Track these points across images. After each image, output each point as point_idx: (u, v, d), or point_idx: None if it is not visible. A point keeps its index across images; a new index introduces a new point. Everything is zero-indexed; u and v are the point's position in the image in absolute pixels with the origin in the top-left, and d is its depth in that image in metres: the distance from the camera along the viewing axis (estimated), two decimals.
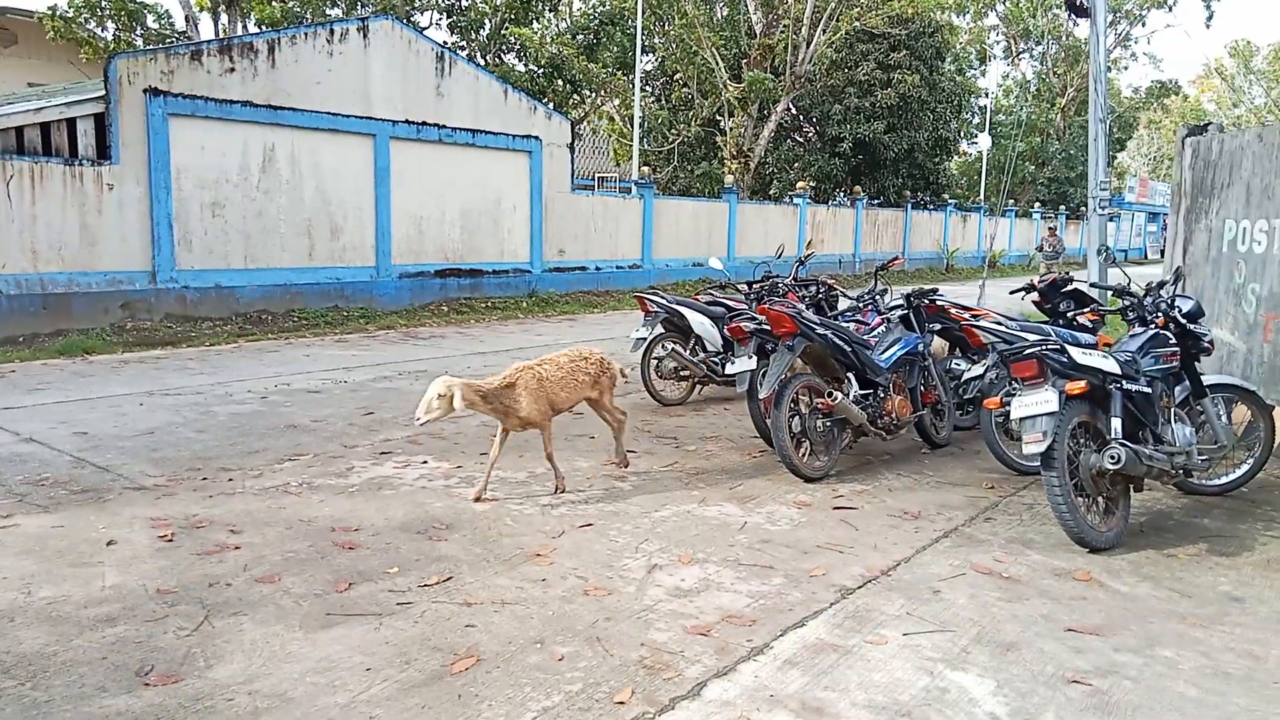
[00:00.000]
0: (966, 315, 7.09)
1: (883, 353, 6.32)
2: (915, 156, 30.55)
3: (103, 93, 11.53)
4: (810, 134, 32.34)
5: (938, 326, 7.15)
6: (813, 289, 8.42)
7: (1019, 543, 4.82)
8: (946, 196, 33.46)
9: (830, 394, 5.90)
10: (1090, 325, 6.77)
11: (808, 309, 7.11)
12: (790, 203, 25.19)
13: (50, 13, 18.40)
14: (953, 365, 7.31)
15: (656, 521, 5.01)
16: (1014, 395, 4.76)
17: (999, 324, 6.49)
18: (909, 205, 30.03)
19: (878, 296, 7.23)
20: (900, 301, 6.94)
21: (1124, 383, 4.81)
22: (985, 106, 39.72)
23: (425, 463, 6.09)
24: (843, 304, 8.00)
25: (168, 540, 4.52)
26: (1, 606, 3.73)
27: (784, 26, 25.90)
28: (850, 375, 6.16)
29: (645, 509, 5.23)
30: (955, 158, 39.12)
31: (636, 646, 3.52)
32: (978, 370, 6.77)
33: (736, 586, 4.14)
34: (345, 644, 3.48)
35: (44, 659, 3.31)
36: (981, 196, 38.03)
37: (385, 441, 6.65)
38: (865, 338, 6.38)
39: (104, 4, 18.82)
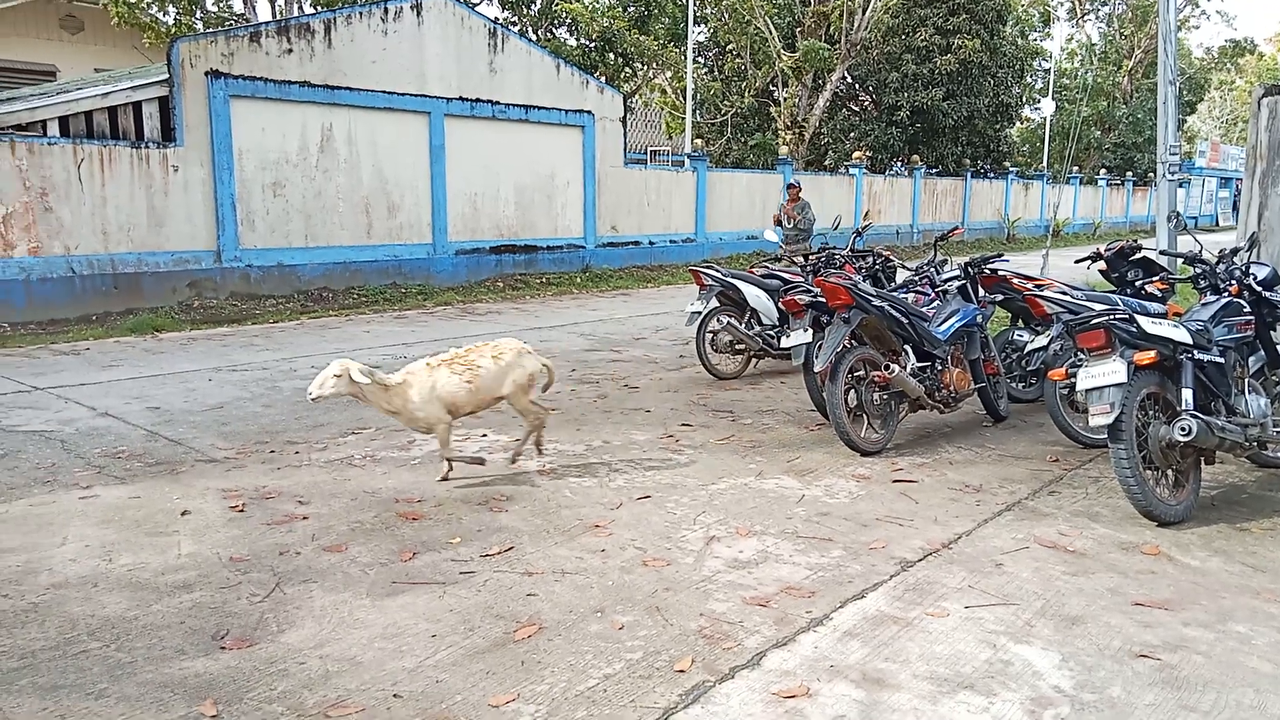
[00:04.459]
0: (1029, 285, 6.94)
1: (940, 324, 6.22)
2: (975, 124, 29.82)
3: (166, 76, 11.78)
4: (866, 103, 31.75)
5: (999, 297, 7.01)
6: (869, 260, 8.32)
7: (1085, 516, 4.74)
8: (1008, 164, 32.63)
9: (887, 366, 5.83)
10: (1159, 294, 6.59)
11: (864, 281, 7.04)
12: (846, 173, 24.82)
13: None
14: (1015, 336, 7.18)
15: (714, 494, 5.03)
16: (1080, 366, 4.66)
17: (1064, 294, 6.36)
18: (969, 174, 29.38)
19: (936, 267, 7.11)
20: (958, 272, 6.81)
21: (1195, 352, 4.68)
22: (1049, 70, 38.59)
23: (484, 435, 6.18)
24: (901, 275, 7.89)
25: (239, 510, 4.66)
26: (85, 573, 3.90)
27: None
28: (907, 347, 6.08)
29: (702, 481, 5.24)
30: (1017, 124, 38.08)
31: (696, 616, 3.55)
32: (1041, 341, 6.63)
33: (795, 559, 4.14)
34: (411, 611, 3.57)
35: (126, 623, 3.45)
36: (1044, 164, 37.05)
37: None
38: (923, 309, 6.29)
39: None
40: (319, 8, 20.07)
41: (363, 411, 6.82)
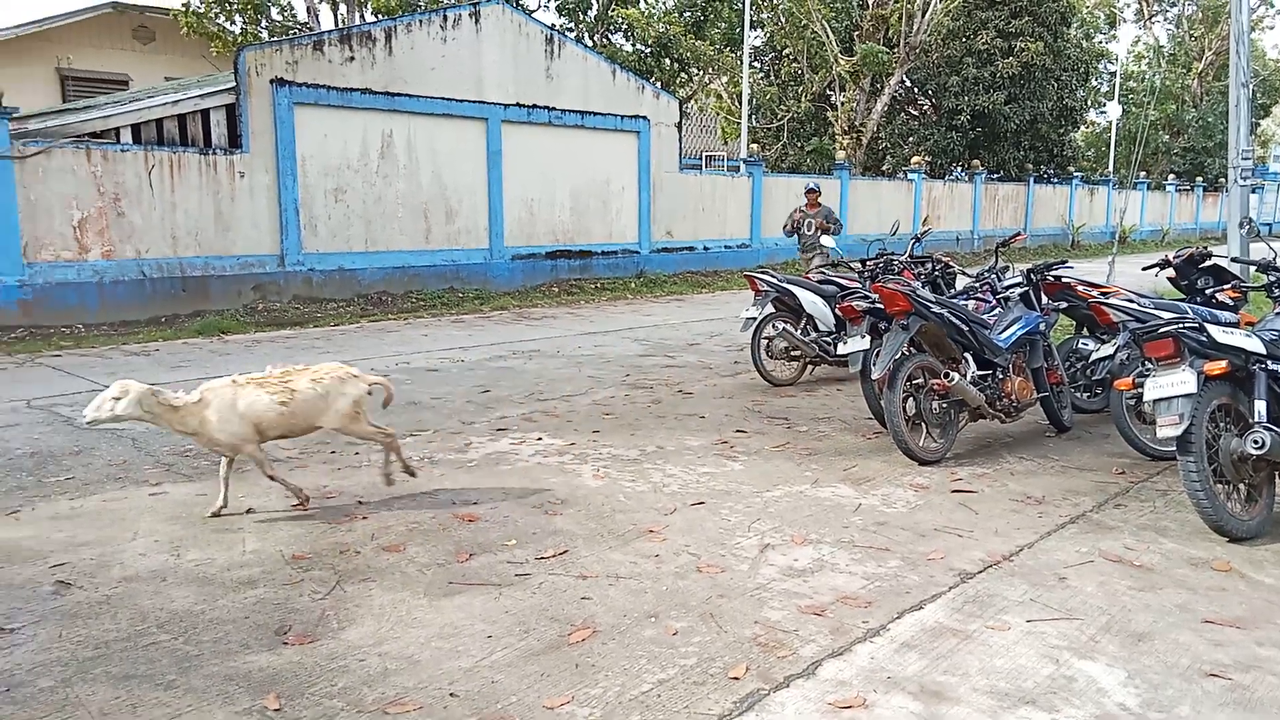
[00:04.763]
0: (1095, 292, 6.78)
1: (1002, 332, 6.11)
2: (1038, 128, 29.26)
3: (233, 84, 12.10)
4: (926, 107, 31.36)
5: (1063, 305, 6.86)
6: (928, 267, 8.21)
7: (1152, 530, 4.61)
8: (1072, 169, 31.94)
9: (946, 374, 5.75)
10: (1231, 303, 6.40)
11: (923, 287, 6.94)
12: (904, 178, 24.53)
13: (184, 8, 19.41)
14: (1080, 345, 7.02)
15: (768, 501, 5.00)
16: (1147, 376, 4.54)
17: (1130, 301, 6.21)
18: (1031, 179, 28.83)
19: (998, 274, 6.99)
20: (1020, 279, 6.69)
21: (1269, 363, 4.53)
22: (1114, 73, 37.72)
23: (540, 439, 6.22)
24: (960, 282, 7.77)
25: (301, 509, 4.75)
26: (155, 567, 4.01)
27: None
28: (968, 355, 5.98)
29: (757, 489, 5.22)
30: (1082, 128, 37.29)
31: (750, 624, 3.53)
32: (1107, 350, 6.47)
33: (851, 568, 4.10)
34: (467, 612, 3.61)
35: (193, 616, 3.55)
36: (1110, 168, 36.20)
37: (501, 419, 6.82)
38: (984, 317, 6.19)
39: None
40: (380, 16, 20.45)
41: (421, 414, 6.92)
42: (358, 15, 20.81)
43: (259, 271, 12.45)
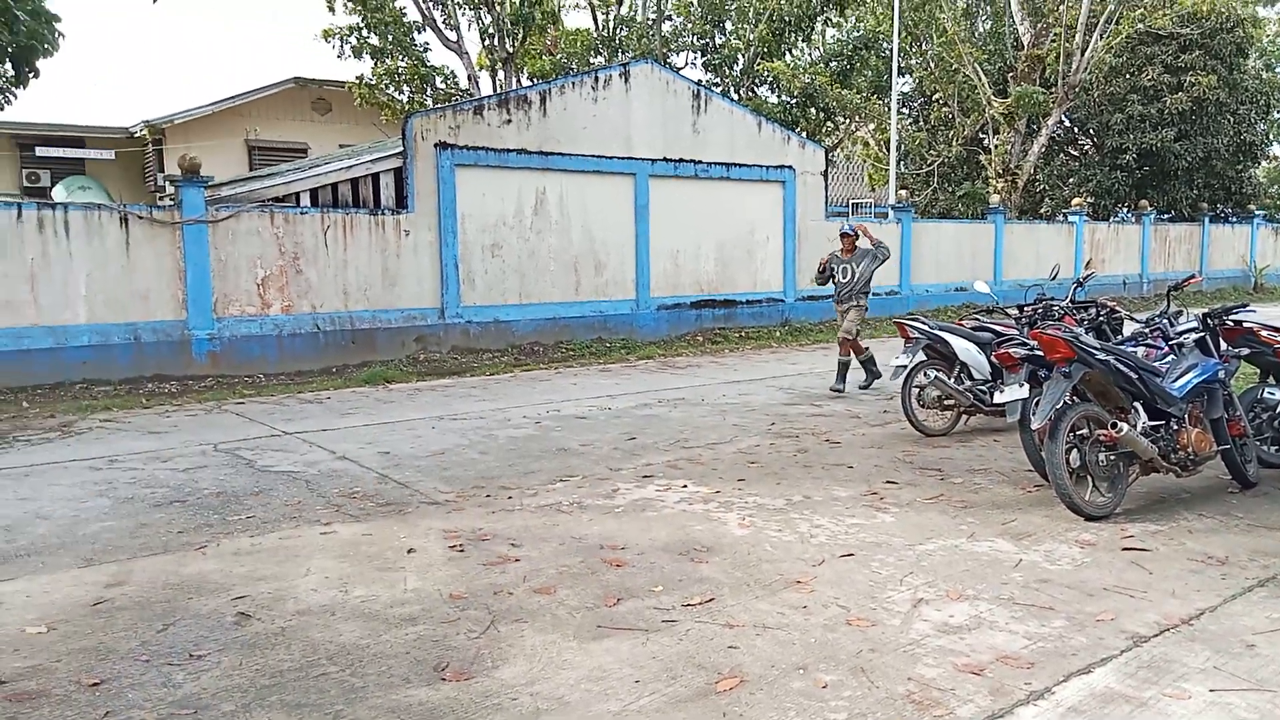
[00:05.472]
0: None
1: (1175, 380, 5.74)
2: (1213, 164, 27.46)
3: (400, 149, 12.91)
4: (1087, 146, 30.02)
5: (1245, 351, 6.39)
6: (1092, 312, 7.83)
7: None
8: (1253, 207, 29.75)
9: (1114, 424, 5.44)
10: None
11: (1087, 333, 6.62)
12: (1064, 221, 23.50)
13: (358, 81, 21.01)
14: (1265, 394, 6.51)
15: (921, 555, 4.84)
16: None
17: None
18: (1206, 218, 27.03)
19: (1170, 319, 6.58)
20: (1195, 323, 6.28)
21: None
22: None
23: (685, 486, 6.25)
24: (1129, 328, 7.36)
25: (458, 551, 4.95)
26: (325, 602, 4.26)
27: (1054, 35, 24.33)
28: (1137, 405, 5.65)
29: (909, 541, 5.07)
30: (1264, 163, 34.74)
31: (903, 680, 3.42)
32: None
33: (1011, 626, 3.91)
34: (615, 655, 3.65)
35: (359, 650, 3.74)
36: None
37: (647, 465, 6.90)
38: (1155, 364, 5.83)
39: (400, 70, 21.22)
40: (535, 80, 21.46)
41: (570, 460, 7.09)
42: (514, 80, 21.90)
43: (421, 324, 13.12)
